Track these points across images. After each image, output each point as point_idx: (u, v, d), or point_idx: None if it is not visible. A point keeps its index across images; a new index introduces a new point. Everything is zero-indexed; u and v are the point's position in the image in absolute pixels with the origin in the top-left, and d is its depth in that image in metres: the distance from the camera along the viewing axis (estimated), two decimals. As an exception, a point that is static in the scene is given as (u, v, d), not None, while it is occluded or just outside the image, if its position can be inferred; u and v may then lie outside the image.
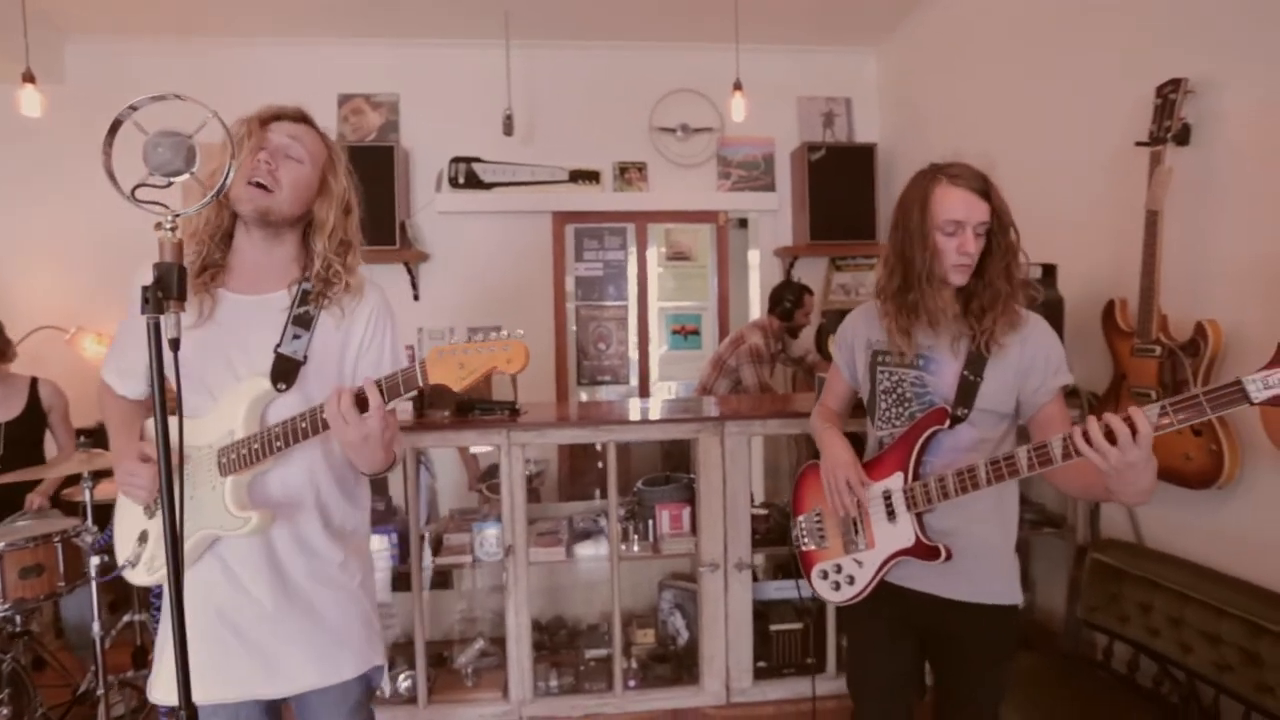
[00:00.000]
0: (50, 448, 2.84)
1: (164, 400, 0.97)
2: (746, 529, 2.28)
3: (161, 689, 1.24)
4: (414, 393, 1.16)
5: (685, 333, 4.29)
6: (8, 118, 3.50)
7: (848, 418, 1.78)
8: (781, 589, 2.57)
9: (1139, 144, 2.03)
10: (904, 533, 1.47)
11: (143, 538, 1.26)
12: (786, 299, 3.59)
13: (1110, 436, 1.13)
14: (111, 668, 2.29)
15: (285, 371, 1.23)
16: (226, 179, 1.02)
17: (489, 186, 3.79)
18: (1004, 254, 1.43)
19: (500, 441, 2.13)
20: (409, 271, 3.76)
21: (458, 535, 2.36)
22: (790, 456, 3.81)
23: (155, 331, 0.96)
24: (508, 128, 3.57)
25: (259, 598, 1.24)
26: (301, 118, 1.30)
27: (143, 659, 2.61)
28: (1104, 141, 2.31)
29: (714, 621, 2.28)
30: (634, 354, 4.10)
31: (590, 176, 3.90)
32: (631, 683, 2.33)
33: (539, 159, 3.86)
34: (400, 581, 2.34)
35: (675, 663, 2.43)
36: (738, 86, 3.38)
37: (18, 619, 2.25)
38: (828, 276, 4.20)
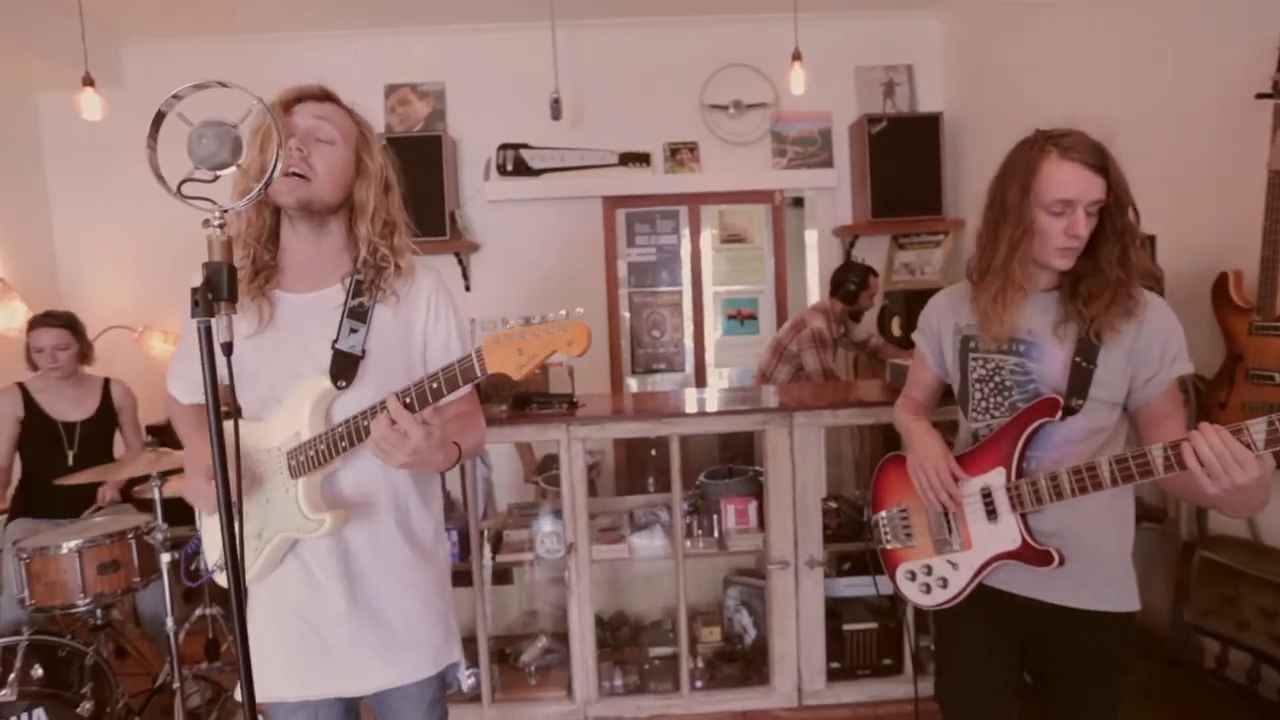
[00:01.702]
0: (119, 446, 2.91)
1: (218, 407, 0.92)
2: (818, 525, 2.17)
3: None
4: (471, 385, 1.09)
5: (741, 317, 4.16)
6: (73, 124, 3.59)
7: (934, 410, 1.64)
8: (852, 586, 2.44)
9: (1260, 96, 1.81)
10: (1007, 534, 1.33)
11: None
12: (850, 280, 3.42)
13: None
14: (186, 658, 2.34)
15: (344, 368, 1.19)
16: (274, 170, 0.96)
17: (538, 173, 3.72)
18: (1119, 237, 1.28)
19: (560, 436, 2.06)
20: (460, 262, 3.73)
21: (517, 532, 2.31)
22: (853, 446, 3.66)
23: (206, 336, 0.91)
24: (555, 112, 3.48)
25: (336, 598, 1.23)
26: (325, 95, 1.23)
27: (215, 651, 2.66)
28: (1213, 95, 2.09)
29: (784, 620, 2.18)
30: (689, 341, 3.99)
31: (640, 159, 3.78)
32: (698, 683, 2.25)
33: (588, 142, 3.77)
34: (459, 578, 2.30)
35: (743, 662, 2.34)
36: (796, 57, 3.21)
37: (98, 613, 2.30)
38: (890, 255, 4.00)
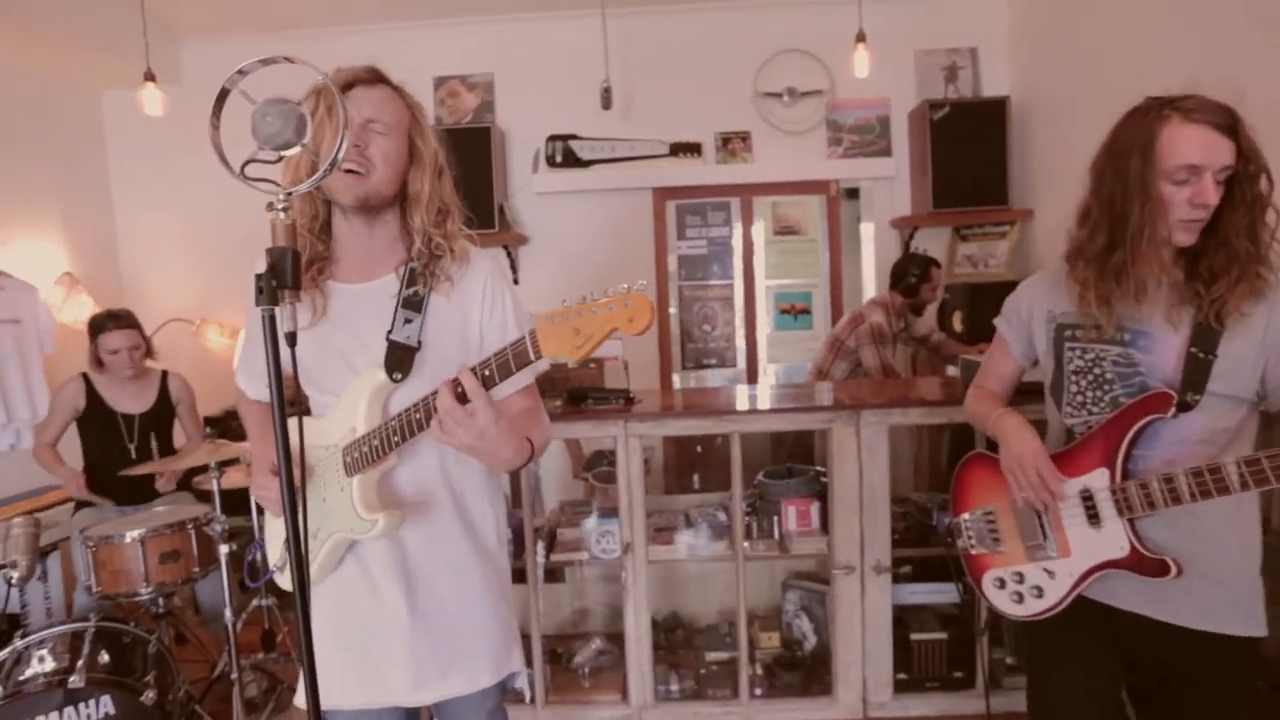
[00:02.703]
0: (180, 436, 2.96)
1: (282, 399, 0.87)
2: (885, 529, 2.06)
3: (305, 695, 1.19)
4: (528, 373, 1.03)
5: (795, 312, 4.04)
6: (133, 121, 3.67)
7: (1008, 403, 1.52)
8: (918, 593, 2.33)
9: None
10: (1113, 541, 1.22)
11: (288, 543, 1.20)
12: (911, 273, 3.28)
13: None
14: (243, 647, 2.35)
15: (400, 360, 1.13)
16: (339, 151, 0.91)
17: (587, 164, 3.67)
18: (1249, 207, 1.15)
19: (617, 433, 2.00)
20: (509, 255, 3.70)
21: (570, 530, 2.26)
22: (911, 444, 3.52)
23: (270, 325, 0.87)
24: (606, 101, 3.41)
25: (395, 603, 1.17)
26: (377, 78, 1.16)
27: (271, 642, 2.68)
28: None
29: (849, 628, 2.08)
30: (740, 336, 3.89)
31: (691, 149, 3.69)
32: (758, 690, 2.17)
33: (638, 133, 3.70)
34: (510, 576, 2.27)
35: (804, 671, 2.25)
36: (860, 38, 3.08)
37: (160, 601, 2.33)
38: (951, 247, 3.83)
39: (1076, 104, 3.12)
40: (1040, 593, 1.32)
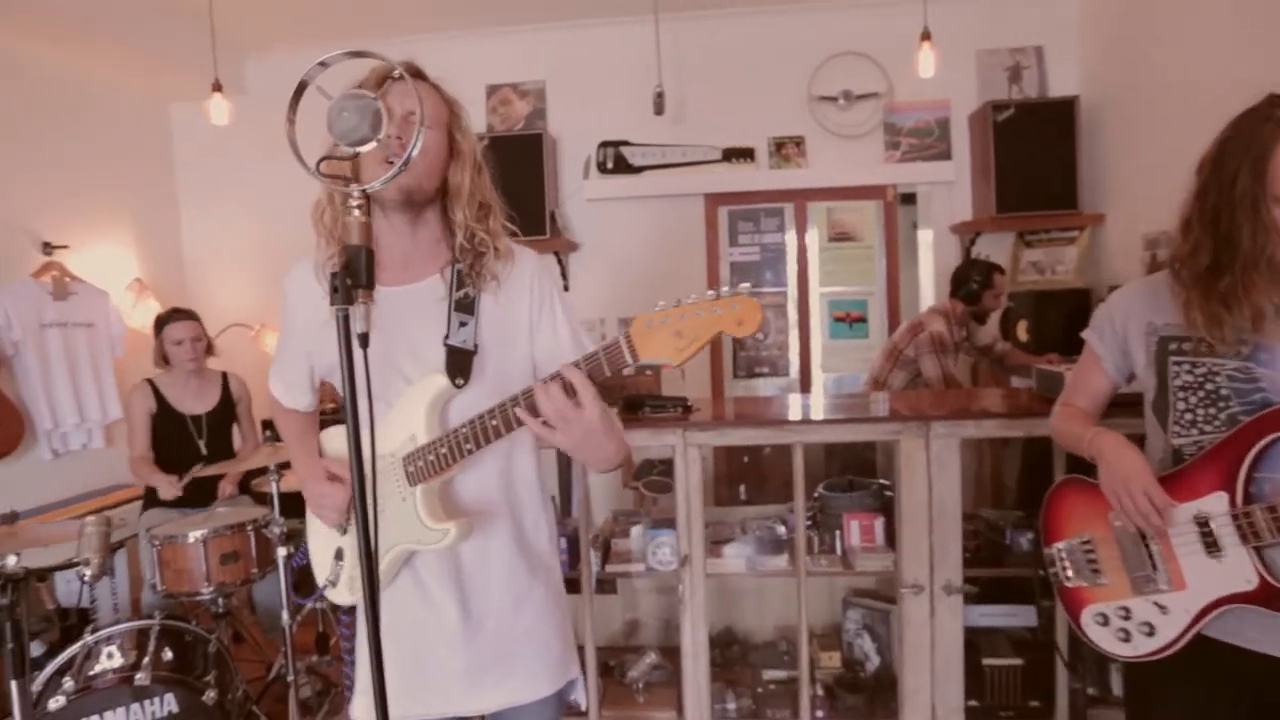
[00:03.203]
0: (237, 439, 3.01)
1: (355, 404, 0.85)
2: (956, 547, 1.96)
3: (362, 710, 1.18)
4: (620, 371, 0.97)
5: (850, 320, 3.94)
6: (200, 132, 3.79)
7: (1098, 420, 1.42)
8: (989, 616, 2.21)
9: None
10: (1237, 572, 1.11)
11: (339, 555, 1.19)
12: (973, 280, 3.16)
13: None
14: (297, 648, 2.36)
15: (460, 365, 1.10)
16: (414, 148, 0.88)
17: (638, 170, 3.64)
18: None
19: (675, 442, 1.94)
20: (559, 261, 3.69)
21: (624, 540, 2.21)
22: (973, 458, 3.37)
23: (344, 325, 0.85)
24: (659, 106, 3.39)
25: (452, 612, 1.14)
26: (415, 73, 1.13)
27: (325, 645, 2.69)
28: None
29: (917, 651, 1.98)
30: (794, 344, 3.81)
31: (744, 154, 3.64)
32: (819, 712, 2.08)
33: (690, 138, 3.66)
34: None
35: (868, 693, 2.15)
36: (926, 36, 2.98)
37: (220, 601, 2.37)
38: (1015, 254, 3.68)
39: (1152, 102, 2.97)
40: (1151, 630, 1.20)
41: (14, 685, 1.23)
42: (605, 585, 2.49)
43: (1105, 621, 1.27)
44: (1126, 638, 1.23)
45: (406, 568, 1.16)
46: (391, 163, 1.05)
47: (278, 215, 3.87)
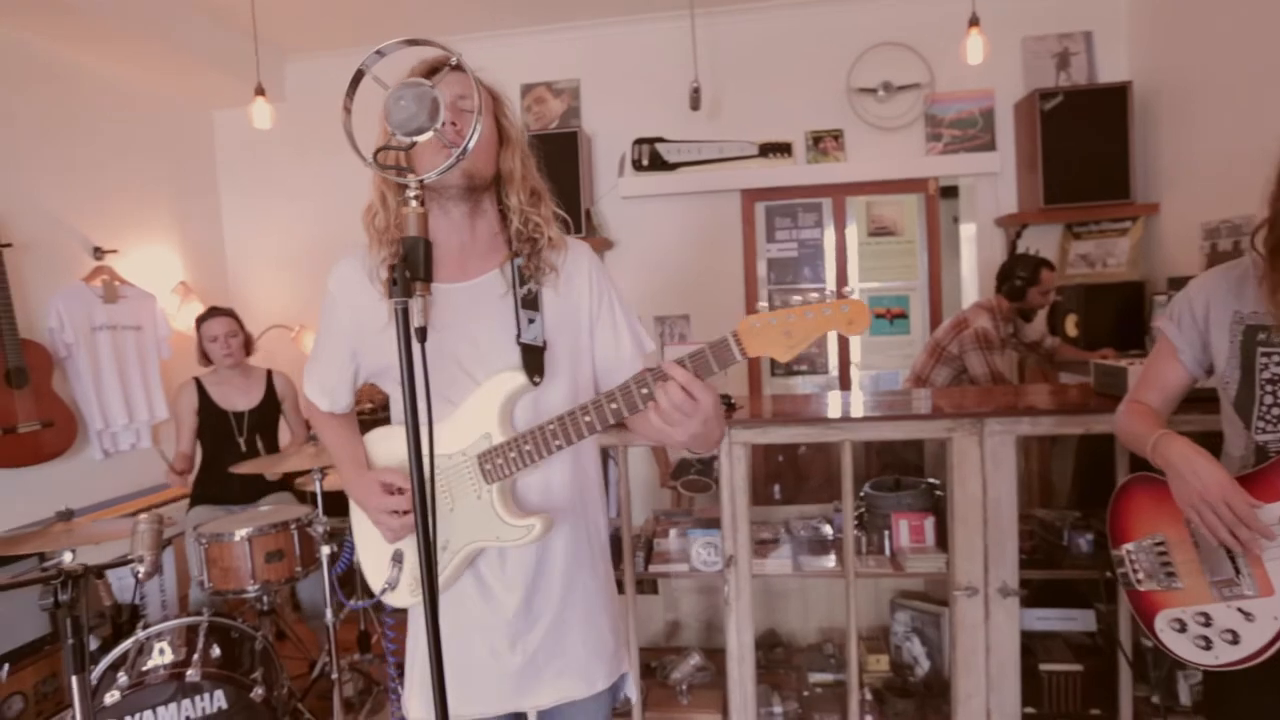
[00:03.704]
0: (284, 435, 3.05)
1: (414, 401, 0.83)
2: (1013, 548, 1.89)
3: (417, 707, 1.18)
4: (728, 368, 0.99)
5: (890, 316, 3.85)
6: (242, 137, 3.87)
7: (1169, 418, 1.35)
8: (1046, 619, 2.13)
9: None
10: (1333, 579, 1.05)
11: (397, 558, 1.17)
12: (1018, 275, 3.06)
13: None
14: (341, 644, 2.38)
15: (534, 362, 1.09)
16: (473, 136, 0.87)
17: (673, 167, 3.61)
18: None
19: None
20: (594, 260, 3.67)
21: (667, 541, 2.18)
22: (1019, 456, 3.27)
23: (403, 319, 0.83)
24: (694, 102, 3.35)
25: (512, 608, 1.14)
26: (457, 64, 1.10)
27: (366, 644, 2.71)
28: None
29: (971, 655, 1.92)
30: (833, 341, 3.74)
31: (781, 149, 3.58)
32: (869, 717, 2.02)
33: (725, 134, 3.61)
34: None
35: (918, 698, 2.09)
36: (974, 22, 2.90)
37: (264, 599, 2.39)
38: (1063, 246, 3.57)
39: (1210, 86, 2.84)
40: (1235, 638, 1.14)
41: (74, 680, 1.24)
42: (646, 586, 2.47)
43: (1182, 628, 1.20)
44: (1207, 645, 1.17)
45: (469, 567, 1.15)
46: (451, 150, 1.06)
47: (316, 218, 3.94)
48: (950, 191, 3.92)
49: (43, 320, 2.93)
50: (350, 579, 2.79)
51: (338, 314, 1.21)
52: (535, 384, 1.09)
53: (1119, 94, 3.24)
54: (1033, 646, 2.03)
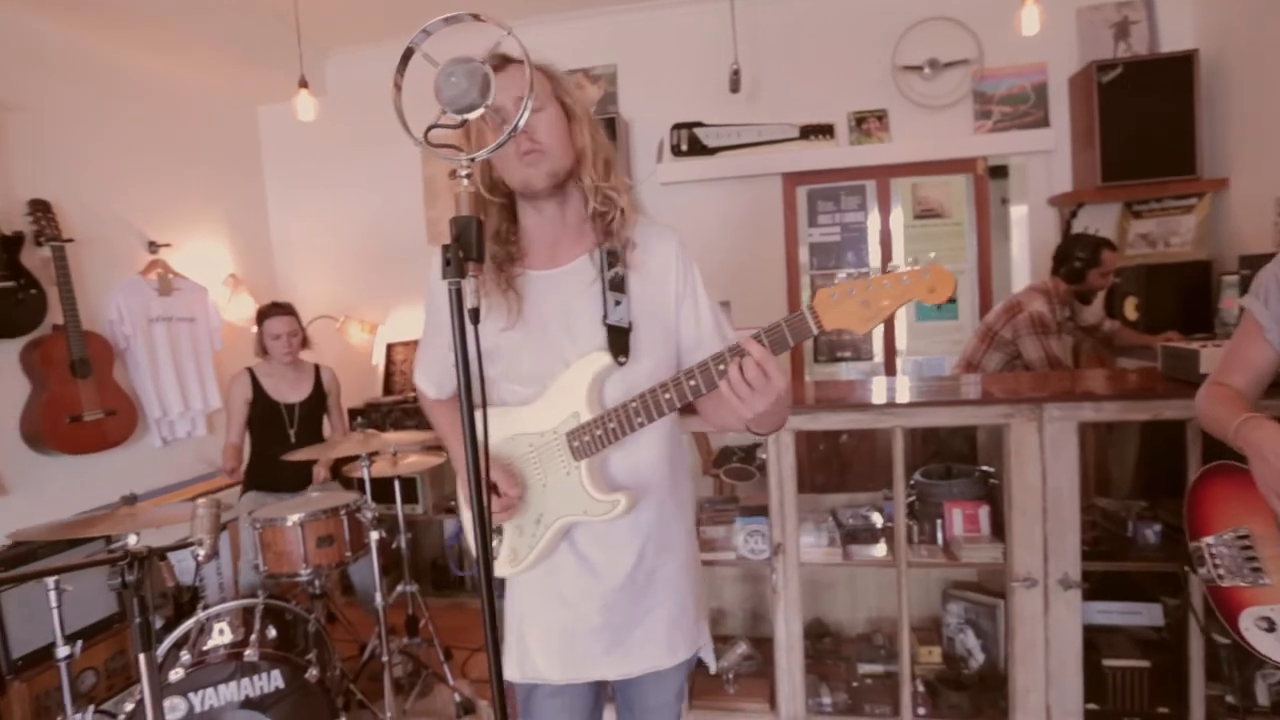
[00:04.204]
0: (326, 427, 3.11)
1: (470, 382, 0.83)
2: (1074, 538, 1.82)
3: (511, 668, 1.25)
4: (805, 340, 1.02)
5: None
6: (285, 133, 3.93)
7: (1258, 400, 1.27)
8: (1109, 613, 2.05)
9: None
10: None
11: (499, 531, 1.23)
12: (1076, 255, 2.94)
13: None
14: (390, 629, 2.43)
15: (620, 343, 1.13)
16: (523, 116, 0.85)
17: (713, 151, 3.55)
18: None
19: (768, 426, 1.87)
20: (633, 248, 3.65)
21: (712, 528, 2.16)
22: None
23: (457, 298, 0.82)
24: (734, 84, 3.29)
25: (603, 580, 1.19)
26: (505, 60, 1.11)
27: (415, 628, 2.76)
28: None
29: (1030, 649, 1.86)
30: (878, 327, 3.65)
31: (823, 131, 3.50)
32: (921, 710, 1.98)
33: (766, 117, 3.54)
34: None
35: (972, 691, 2.04)
36: (1029, -10, 2.78)
37: (316, 583, 2.44)
38: (1122, 226, 3.42)
39: (1284, 53, 2.68)
40: (1328, 632, 1.07)
41: (142, 658, 1.28)
42: (689, 573, 2.45)
43: (1271, 627, 1.14)
44: (1301, 642, 1.10)
45: (564, 538, 1.20)
46: (527, 152, 1.07)
47: (358, 210, 4.00)
48: (999, 171, 3.78)
49: (103, 312, 3.03)
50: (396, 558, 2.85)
51: (435, 305, 1.26)
52: (620, 364, 1.12)
53: (1184, 63, 3.07)
54: (1095, 641, 1.96)
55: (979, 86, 3.44)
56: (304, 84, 3.00)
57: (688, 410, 1.08)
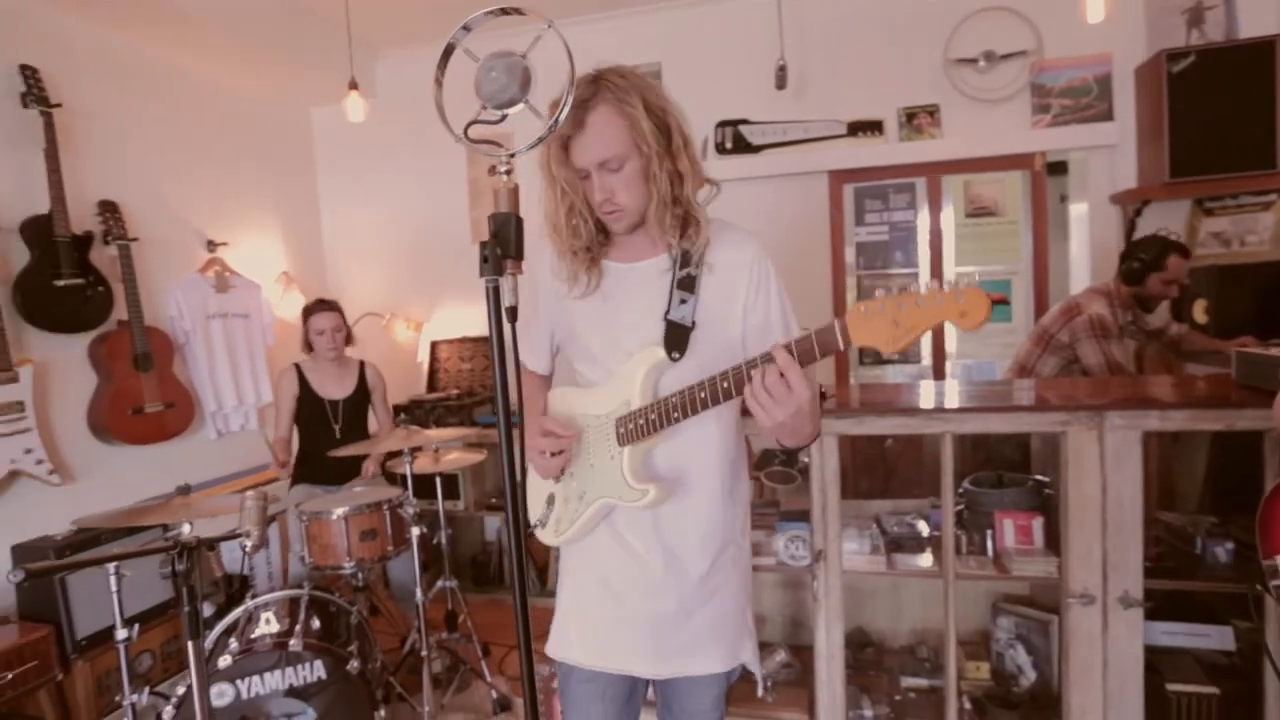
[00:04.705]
0: (372, 423, 3.17)
1: (504, 371, 0.82)
2: (1137, 554, 1.72)
3: (554, 646, 1.31)
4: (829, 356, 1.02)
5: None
6: (337, 135, 4.03)
7: None
8: (1173, 634, 1.94)
9: None
10: None
11: (549, 500, 1.29)
12: (1137, 256, 2.79)
13: None
14: (429, 624, 2.46)
15: (677, 339, 1.16)
16: (564, 109, 0.84)
17: (758, 149, 3.50)
18: None
19: (811, 429, 1.82)
20: (675, 247, 3.62)
21: (752, 532, 2.11)
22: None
23: (494, 298, 0.82)
24: (780, 80, 3.24)
25: (644, 574, 1.22)
26: (585, 100, 1.10)
27: (454, 623, 2.79)
28: None
29: (1087, 670, 1.76)
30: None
31: (872, 127, 3.41)
32: (968, 728, 1.91)
33: (812, 113, 3.48)
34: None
35: (1023, 710, 1.95)
36: (1094, -24, 2.66)
37: (359, 576, 2.49)
38: (1191, 224, 3.25)
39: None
40: None
41: (190, 645, 1.31)
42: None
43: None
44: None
45: (607, 524, 1.25)
46: (609, 213, 1.13)
47: (405, 210, 4.07)
48: (1058, 167, 3.63)
49: (164, 309, 3.15)
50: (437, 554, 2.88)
51: (539, 288, 1.32)
52: (674, 359, 1.15)
53: (1265, 50, 2.89)
54: (1157, 664, 1.85)
55: (1037, 79, 3.31)
56: (354, 86, 3.06)
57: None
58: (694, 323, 1.16)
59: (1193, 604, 1.97)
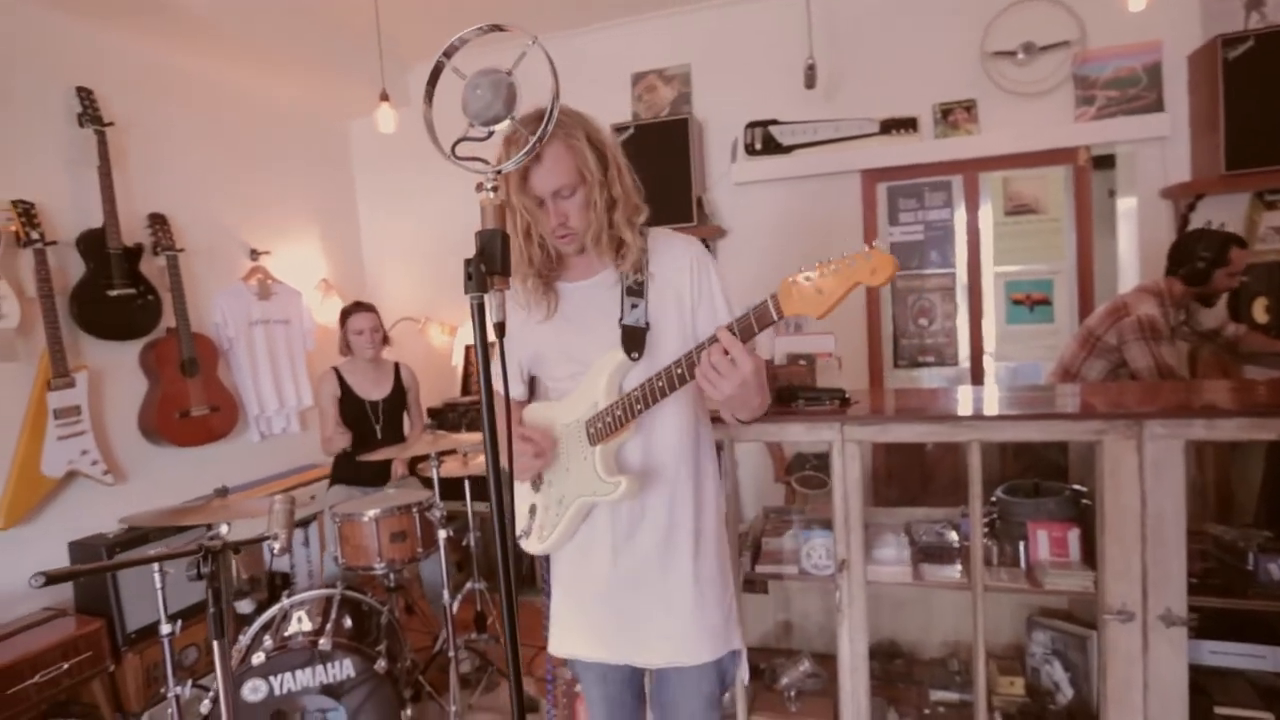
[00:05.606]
0: (406, 424, 3.24)
1: (490, 387, 0.83)
2: (1180, 570, 1.63)
3: (554, 644, 1.41)
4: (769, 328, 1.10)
5: (1030, 303, 3.49)
6: (374, 145, 4.13)
7: None
8: (1222, 654, 1.83)
9: None
10: None
11: (531, 511, 1.35)
12: (1200, 254, 2.64)
13: None
14: (459, 624, 2.49)
15: (635, 340, 1.24)
16: (549, 121, 0.84)
17: (788, 150, 3.45)
18: None
19: (833, 436, 1.79)
20: (707, 248, 3.60)
21: (776, 540, 2.09)
22: (1190, 465, 2.85)
23: (479, 314, 0.82)
24: (809, 80, 3.18)
25: (622, 567, 1.29)
26: (538, 128, 1.09)
27: (483, 624, 2.83)
28: None
29: (1126, 689, 1.68)
30: (963, 330, 3.44)
31: (906, 125, 3.33)
32: (999, 745, 1.84)
33: (844, 112, 3.41)
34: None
35: (1059, 729, 1.87)
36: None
37: (391, 576, 2.55)
38: (1250, 218, 3.08)
39: None
40: None
41: (215, 645, 1.36)
42: (755, 584, 2.39)
43: None
44: None
45: (589, 524, 1.31)
46: (561, 237, 1.21)
47: (438, 218, 4.14)
48: (1104, 162, 3.48)
49: (210, 316, 3.28)
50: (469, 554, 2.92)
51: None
52: (634, 359, 1.23)
53: (1330, 33, 2.73)
54: (1206, 685, 1.76)
55: (1080, 70, 3.18)
56: (385, 97, 3.12)
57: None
58: (648, 324, 1.25)
59: (1247, 622, 1.87)
